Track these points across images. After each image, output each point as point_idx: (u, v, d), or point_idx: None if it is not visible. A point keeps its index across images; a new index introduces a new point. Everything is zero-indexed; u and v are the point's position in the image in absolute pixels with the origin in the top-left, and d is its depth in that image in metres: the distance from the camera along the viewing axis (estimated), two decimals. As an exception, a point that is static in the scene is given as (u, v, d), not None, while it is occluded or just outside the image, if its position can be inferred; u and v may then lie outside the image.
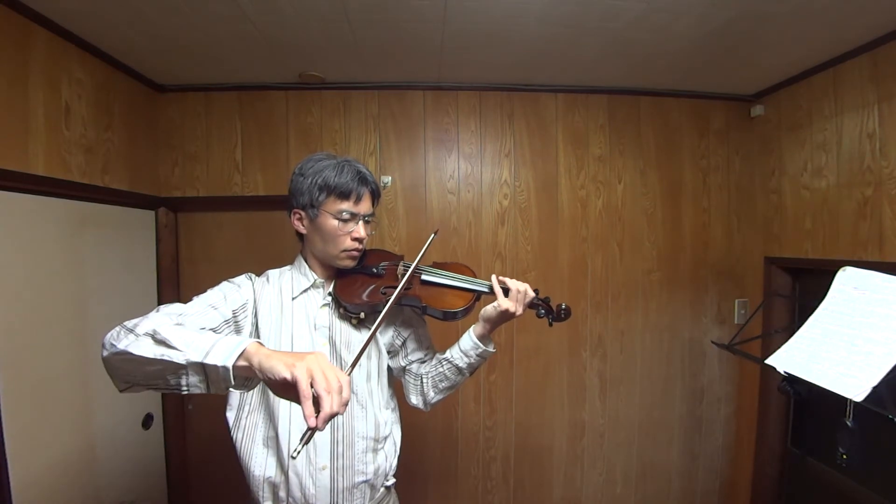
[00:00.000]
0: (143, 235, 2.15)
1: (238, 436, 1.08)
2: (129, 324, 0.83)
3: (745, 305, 2.44)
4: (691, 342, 2.44)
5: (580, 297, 2.37)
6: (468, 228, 2.33)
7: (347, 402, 0.71)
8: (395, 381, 1.28)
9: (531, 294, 1.15)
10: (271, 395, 1.06)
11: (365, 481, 1.11)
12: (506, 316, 1.13)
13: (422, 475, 2.32)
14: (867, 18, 1.59)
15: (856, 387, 1.05)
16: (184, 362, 0.75)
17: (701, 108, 2.41)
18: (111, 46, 1.79)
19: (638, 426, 2.43)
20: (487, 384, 2.35)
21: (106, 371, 0.84)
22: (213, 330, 0.97)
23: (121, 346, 0.78)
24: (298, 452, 0.67)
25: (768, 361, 1.29)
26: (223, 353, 0.74)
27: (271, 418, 1.06)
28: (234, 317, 1.04)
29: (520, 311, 1.13)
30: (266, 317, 1.10)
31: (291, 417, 1.06)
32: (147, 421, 2.09)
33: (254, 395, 1.09)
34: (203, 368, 0.75)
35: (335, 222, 1.09)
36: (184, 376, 0.76)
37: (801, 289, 2.28)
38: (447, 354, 1.20)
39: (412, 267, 1.15)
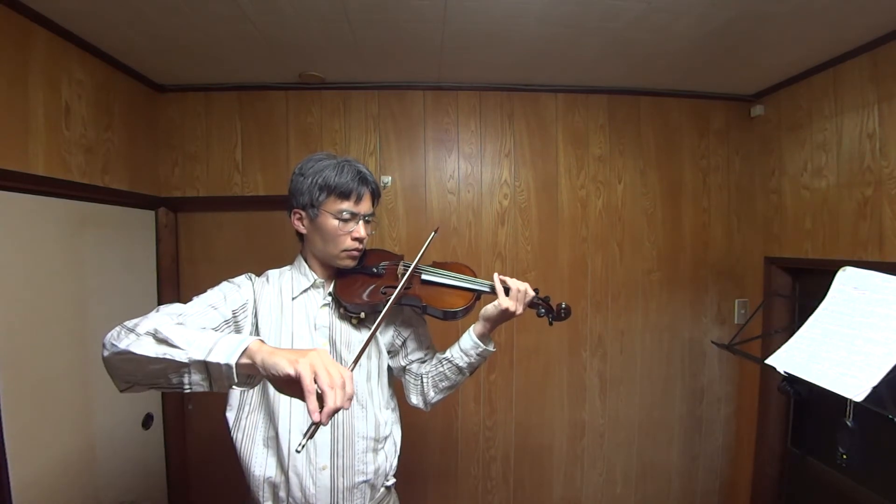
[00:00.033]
0: (143, 235, 2.15)
1: (238, 436, 1.08)
2: (129, 324, 0.83)
3: (745, 305, 2.44)
4: (691, 342, 2.44)
5: (580, 296, 2.37)
6: (468, 228, 2.33)
7: (352, 396, 0.72)
8: (396, 381, 1.28)
9: (531, 293, 1.16)
10: (271, 395, 1.06)
11: (365, 481, 1.11)
12: (506, 315, 1.13)
13: (422, 475, 2.32)
14: (867, 18, 1.59)
15: (856, 387, 1.05)
16: (186, 361, 0.75)
17: (701, 108, 2.41)
18: (111, 46, 1.79)
19: (638, 426, 2.43)
20: (487, 384, 2.35)
21: (106, 371, 0.84)
22: (214, 330, 0.97)
23: (122, 345, 0.78)
24: (303, 446, 0.69)
25: (768, 361, 1.29)
26: (226, 350, 0.74)
27: (271, 418, 1.06)
28: (234, 317, 1.04)
29: (520, 310, 1.13)
30: (266, 317, 1.10)
31: (291, 417, 1.06)
32: (147, 421, 2.09)
33: (254, 396, 1.09)
34: (206, 366, 0.75)
35: (335, 222, 1.09)
36: (186, 375, 0.76)
37: (801, 289, 2.28)
38: (447, 354, 1.20)
39: (412, 266, 1.15)
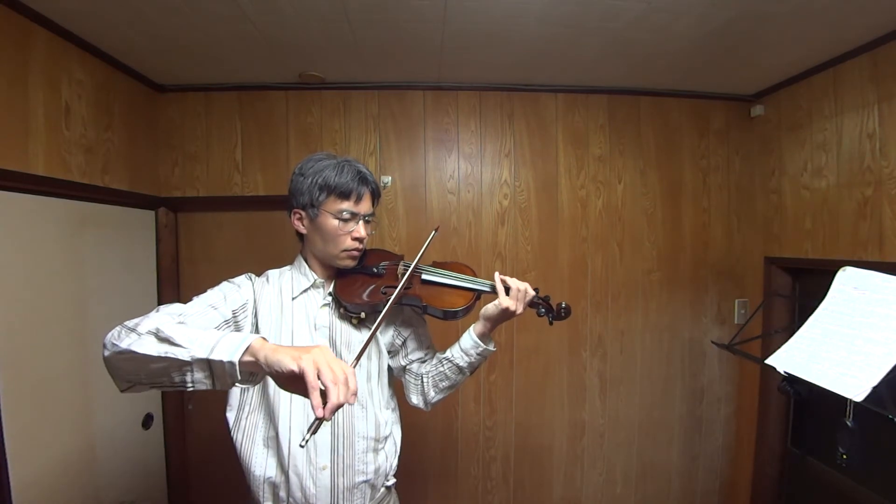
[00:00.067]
0: (143, 235, 2.15)
1: (238, 436, 1.08)
2: (129, 323, 0.83)
3: (745, 305, 2.44)
4: (691, 342, 2.44)
5: (580, 296, 2.37)
6: (468, 228, 2.33)
7: (356, 391, 0.73)
8: (396, 381, 1.28)
9: (531, 293, 1.16)
10: (271, 395, 1.06)
11: (365, 481, 1.11)
12: (506, 314, 1.13)
13: (422, 475, 2.32)
14: (867, 18, 1.59)
15: (856, 387, 1.05)
16: (188, 359, 0.75)
17: (701, 108, 2.41)
18: (111, 46, 1.79)
19: (638, 426, 2.43)
20: (487, 384, 2.35)
21: (107, 371, 0.84)
22: (214, 329, 0.97)
23: (123, 345, 0.78)
24: (307, 441, 0.70)
25: (768, 361, 1.29)
26: (228, 348, 0.74)
27: (271, 418, 1.06)
28: (234, 317, 1.04)
29: (520, 309, 1.13)
30: (266, 317, 1.10)
31: (291, 417, 1.06)
32: (147, 421, 2.09)
33: (253, 396, 1.09)
34: (208, 364, 0.75)
35: (335, 222, 1.09)
36: (188, 373, 0.76)
37: (801, 289, 2.28)
38: (448, 354, 1.20)
39: (412, 265, 1.15)
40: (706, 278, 2.44)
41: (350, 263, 1.15)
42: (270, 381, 1.06)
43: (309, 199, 1.09)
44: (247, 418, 1.08)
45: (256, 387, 1.09)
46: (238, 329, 1.05)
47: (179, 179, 2.25)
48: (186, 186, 2.25)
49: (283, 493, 1.06)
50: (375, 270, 1.19)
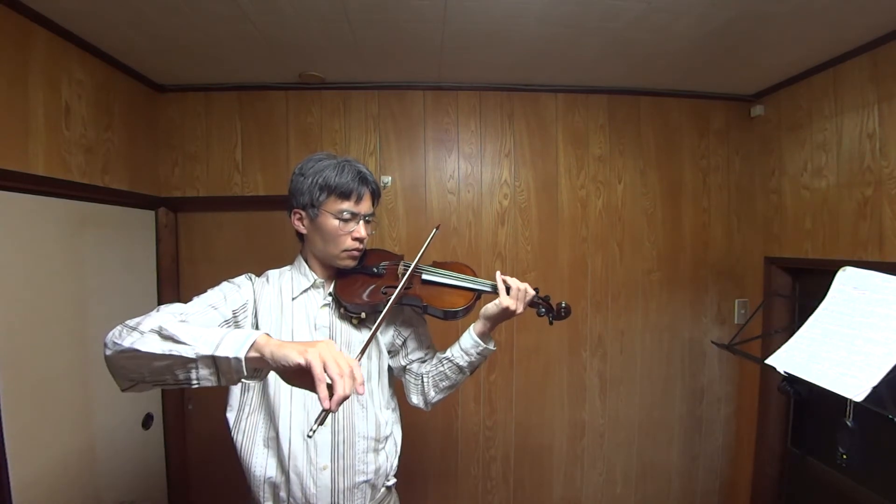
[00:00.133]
0: (143, 235, 2.15)
1: (238, 436, 1.08)
2: (131, 322, 0.83)
3: (745, 305, 2.44)
4: (691, 342, 2.44)
5: (580, 296, 2.37)
6: (468, 228, 2.33)
7: (363, 382, 0.74)
8: (396, 382, 1.28)
9: (531, 292, 1.16)
10: (271, 395, 1.06)
11: (366, 481, 1.11)
12: (507, 314, 1.13)
13: (422, 475, 2.32)
14: (867, 18, 1.59)
15: (856, 387, 1.05)
16: (193, 356, 0.75)
17: (701, 108, 2.41)
18: (111, 46, 1.79)
19: (638, 426, 2.43)
20: (487, 384, 2.35)
21: (109, 370, 0.84)
22: (215, 329, 0.98)
23: (126, 343, 0.79)
24: (314, 431, 0.71)
25: (768, 361, 1.29)
26: (234, 345, 0.75)
27: (272, 419, 1.06)
28: (234, 317, 1.05)
29: (520, 308, 1.14)
30: (266, 317, 1.10)
31: (292, 418, 1.06)
32: (147, 421, 2.09)
33: (254, 396, 1.09)
34: (213, 361, 0.75)
35: (336, 222, 1.09)
36: (193, 370, 0.76)
37: (801, 289, 2.28)
38: (448, 353, 1.20)
39: (413, 265, 1.16)
40: (706, 278, 2.44)
41: (350, 263, 1.15)
42: (270, 382, 1.06)
43: (309, 199, 1.09)
44: (247, 419, 1.08)
45: (256, 388, 1.09)
46: (238, 328, 1.05)
47: (179, 179, 2.24)
48: (186, 186, 2.25)
49: (283, 494, 1.06)
50: (376, 270, 1.19)
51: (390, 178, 2.29)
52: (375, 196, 1.17)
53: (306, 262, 1.18)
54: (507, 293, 1.13)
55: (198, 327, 0.81)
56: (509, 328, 2.32)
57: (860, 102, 1.80)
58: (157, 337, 0.78)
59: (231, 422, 1.10)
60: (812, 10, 1.54)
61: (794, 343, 1.29)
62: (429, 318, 1.23)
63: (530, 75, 2.21)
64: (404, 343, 1.25)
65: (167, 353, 0.76)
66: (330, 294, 1.16)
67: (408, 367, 1.25)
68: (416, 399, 1.25)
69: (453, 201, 2.33)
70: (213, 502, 2.30)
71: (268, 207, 2.29)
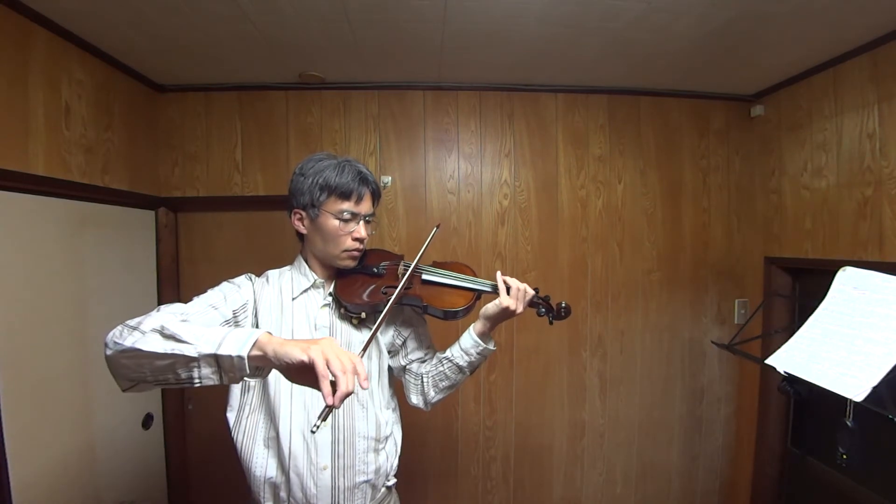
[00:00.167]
0: (143, 235, 2.15)
1: (239, 436, 1.08)
2: (131, 322, 0.83)
3: (745, 305, 2.45)
4: (691, 342, 2.44)
5: (580, 296, 2.37)
6: (468, 228, 2.33)
7: (367, 376, 0.75)
8: (396, 382, 1.28)
9: (531, 292, 1.16)
10: (272, 395, 1.06)
11: (366, 481, 1.11)
12: (507, 313, 1.13)
13: (422, 475, 2.32)
14: (867, 18, 1.59)
15: (856, 387, 1.05)
16: (196, 355, 0.75)
17: (701, 108, 2.41)
18: (111, 46, 1.79)
19: (638, 426, 2.43)
20: (487, 384, 2.35)
21: (109, 370, 0.84)
22: (215, 329, 0.98)
23: (127, 343, 0.79)
24: (318, 427, 0.72)
25: (768, 361, 1.29)
26: (236, 343, 0.75)
27: (272, 419, 1.06)
28: (235, 317, 1.05)
29: (520, 308, 1.14)
30: (266, 317, 1.10)
31: (292, 418, 1.06)
32: (147, 421, 2.09)
33: (254, 396, 1.09)
34: (216, 360, 0.76)
35: (336, 222, 1.09)
36: (195, 369, 0.77)
37: (801, 289, 2.28)
38: (448, 353, 1.20)
39: (413, 264, 1.16)
40: (706, 278, 2.44)
41: (350, 264, 1.15)
42: (271, 382, 1.06)
43: (309, 199, 1.09)
44: (247, 419, 1.08)
45: (257, 388, 1.09)
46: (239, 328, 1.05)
47: (179, 179, 2.24)
48: (186, 186, 2.25)
49: (283, 494, 1.06)
50: (376, 270, 1.19)
51: (390, 178, 2.29)
52: (376, 196, 1.17)
53: (306, 262, 1.18)
54: (508, 293, 1.13)
55: (199, 326, 0.82)
56: (509, 328, 2.32)
57: (860, 102, 1.80)
58: (158, 336, 0.78)
59: (231, 422, 1.10)
60: (812, 10, 1.54)
61: (794, 343, 1.29)
62: (429, 318, 1.23)
63: (530, 75, 2.21)
64: (404, 343, 1.25)
65: (169, 352, 0.76)
66: (330, 294, 1.16)
67: (407, 366, 1.25)
68: (415, 399, 1.25)
69: (453, 201, 2.33)
70: (213, 502, 2.30)
71: (268, 207, 2.29)
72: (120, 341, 0.80)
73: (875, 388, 1.03)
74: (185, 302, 0.99)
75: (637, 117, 2.39)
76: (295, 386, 1.07)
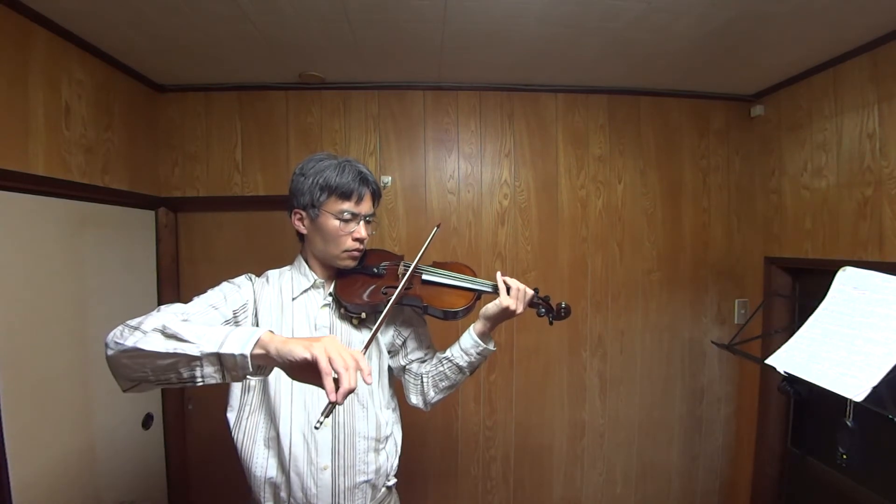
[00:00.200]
0: (143, 235, 2.15)
1: (239, 437, 1.08)
2: (132, 322, 0.83)
3: (745, 305, 2.45)
4: (691, 342, 2.44)
5: (580, 296, 2.37)
6: (468, 228, 2.33)
7: (370, 371, 0.76)
8: (396, 382, 1.28)
9: (530, 292, 1.16)
10: (272, 395, 1.06)
11: (366, 481, 1.11)
12: (507, 313, 1.13)
13: (422, 475, 2.32)
14: (867, 18, 1.59)
15: (856, 387, 1.05)
16: (198, 354, 0.76)
17: (701, 108, 2.41)
18: (111, 46, 1.79)
19: (638, 426, 2.43)
20: (487, 384, 2.35)
21: (110, 370, 0.84)
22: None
23: (128, 343, 0.79)
24: (321, 423, 0.73)
25: (768, 361, 1.29)
26: (239, 342, 0.76)
27: (272, 419, 1.06)
28: (235, 317, 1.05)
29: (520, 308, 1.14)
30: (266, 317, 1.10)
31: (292, 418, 1.06)
32: (147, 421, 2.09)
33: (254, 396, 1.09)
34: (219, 358, 0.76)
35: (336, 222, 1.09)
36: (198, 368, 0.77)
37: (801, 289, 2.28)
38: (447, 353, 1.20)
39: (414, 264, 1.16)
40: (706, 278, 2.44)
41: (350, 264, 1.15)
42: (271, 382, 1.06)
43: (310, 199, 1.10)
44: (248, 419, 1.08)
45: (257, 388, 1.09)
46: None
47: (179, 179, 2.24)
48: (186, 186, 2.25)
49: (283, 494, 1.06)
50: (376, 271, 1.19)
51: (390, 178, 2.29)
52: (376, 196, 1.17)
53: (306, 262, 1.18)
54: (508, 293, 1.13)
55: (201, 326, 0.82)
56: (509, 328, 2.32)
57: (860, 102, 1.80)
58: (160, 336, 0.79)
59: (231, 422, 1.10)
60: (812, 10, 1.54)
61: (794, 343, 1.29)
62: (429, 318, 1.23)
63: (530, 75, 2.21)
64: (404, 343, 1.25)
65: (171, 351, 0.76)
66: (330, 294, 1.16)
67: (407, 367, 1.25)
68: (415, 399, 1.25)
69: (453, 201, 2.33)
70: (213, 502, 2.30)
71: (268, 207, 2.29)
72: (121, 341, 0.80)
73: (875, 388, 1.03)
74: (185, 302, 0.99)
75: (637, 117, 2.39)
76: (295, 386, 1.07)
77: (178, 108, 2.23)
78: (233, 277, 1.14)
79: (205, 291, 1.06)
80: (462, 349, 1.17)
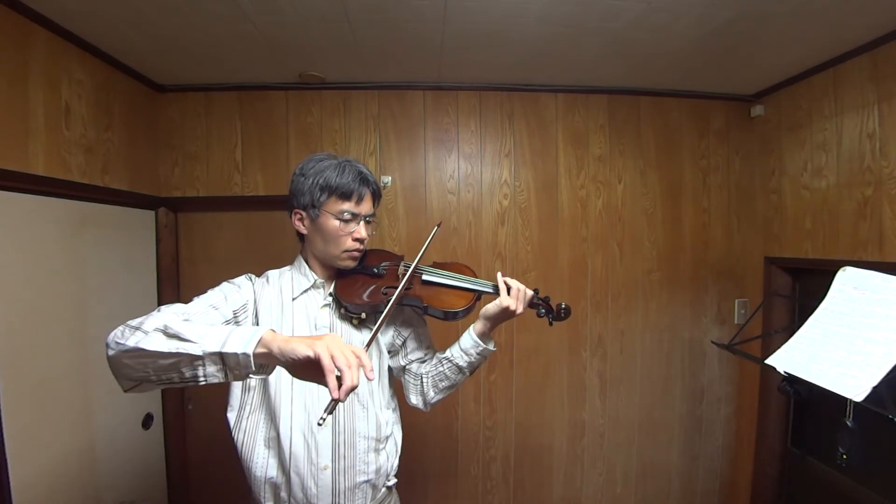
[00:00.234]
0: (143, 235, 2.15)
1: (239, 436, 1.08)
2: (133, 322, 0.83)
3: (745, 305, 2.45)
4: (691, 342, 2.44)
5: (580, 297, 2.37)
6: (468, 228, 2.33)
7: (372, 368, 0.77)
8: (395, 382, 1.28)
9: (530, 293, 1.16)
10: (272, 395, 1.06)
11: (367, 481, 1.11)
12: (507, 314, 1.13)
13: (422, 475, 2.32)
14: (867, 18, 1.59)
15: (856, 387, 1.05)
16: (200, 353, 0.76)
17: (701, 108, 2.41)
18: (111, 46, 1.79)
19: (638, 426, 2.43)
20: (487, 384, 2.35)
21: (111, 371, 0.84)
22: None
23: (130, 343, 0.79)
24: (324, 420, 0.73)
25: (768, 361, 1.29)
26: (241, 341, 0.76)
27: (272, 419, 1.07)
28: (235, 317, 1.05)
29: (520, 309, 1.14)
30: (266, 317, 1.10)
31: (293, 418, 1.06)
32: (147, 421, 2.09)
33: (254, 396, 1.09)
34: (221, 358, 0.76)
35: (336, 223, 1.09)
36: (200, 367, 0.77)
37: (801, 289, 2.28)
38: (447, 353, 1.20)
39: (414, 264, 1.16)
40: (706, 278, 2.44)
41: (351, 264, 1.15)
42: (271, 382, 1.06)
43: (310, 199, 1.10)
44: (248, 419, 1.08)
45: (257, 388, 1.09)
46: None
47: (179, 179, 2.24)
48: (186, 186, 2.25)
49: (284, 494, 1.06)
50: (376, 271, 1.19)
51: (390, 178, 2.29)
52: (376, 196, 1.17)
53: (306, 262, 1.18)
54: (508, 293, 1.14)
55: (202, 326, 0.82)
56: (509, 328, 2.32)
57: (860, 102, 1.80)
58: (162, 336, 0.79)
59: (232, 422, 1.10)
60: (812, 10, 1.54)
61: (794, 343, 1.29)
62: (429, 318, 1.23)
63: (530, 75, 2.21)
64: (404, 343, 1.25)
65: (174, 350, 0.76)
66: (330, 294, 1.16)
67: (407, 367, 1.25)
68: (414, 399, 1.25)
69: (453, 201, 2.33)
70: (213, 502, 2.30)
71: (268, 207, 2.29)
72: (122, 341, 0.80)
73: (875, 388, 1.03)
74: (185, 302, 0.99)
75: (637, 117, 2.39)
76: (295, 386, 1.07)
77: (178, 108, 2.23)
78: (233, 277, 1.14)
79: (205, 291, 1.06)
80: (462, 349, 1.17)
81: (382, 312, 0.99)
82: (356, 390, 1.11)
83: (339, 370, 0.72)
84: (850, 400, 1.05)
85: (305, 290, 1.15)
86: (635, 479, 2.44)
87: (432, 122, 2.32)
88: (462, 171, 2.34)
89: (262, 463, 1.07)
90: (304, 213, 1.12)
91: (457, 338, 1.20)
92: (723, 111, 2.42)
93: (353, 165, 1.12)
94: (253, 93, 2.25)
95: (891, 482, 1.71)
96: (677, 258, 2.42)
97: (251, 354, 0.75)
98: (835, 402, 1.09)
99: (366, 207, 1.13)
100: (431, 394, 1.22)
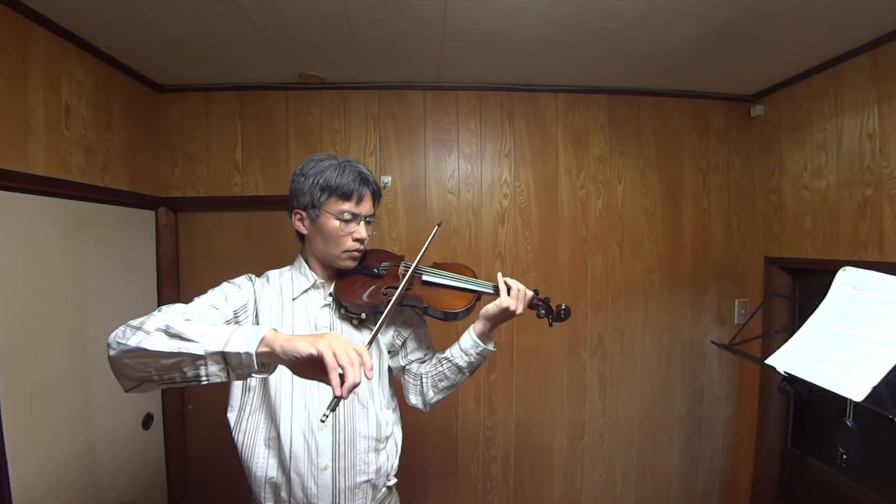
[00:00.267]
0: (143, 235, 2.15)
1: (239, 437, 1.08)
2: (134, 322, 0.83)
3: (745, 305, 2.45)
4: (691, 342, 2.44)
5: (580, 297, 2.37)
6: (468, 228, 2.33)
7: (372, 367, 0.78)
8: (395, 382, 1.28)
9: (530, 293, 1.16)
10: (272, 395, 1.06)
11: (367, 481, 1.11)
12: (507, 314, 1.13)
13: (422, 475, 2.32)
14: (867, 18, 1.59)
15: (856, 387, 1.05)
16: (202, 353, 0.76)
17: (701, 108, 2.41)
18: (111, 46, 1.79)
19: (638, 426, 2.43)
20: (487, 384, 2.35)
21: (112, 371, 0.84)
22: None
23: (132, 343, 0.79)
24: (327, 417, 0.74)
25: (768, 361, 1.29)
26: (244, 340, 0.77)
27: (272, 419, 1.07)
28: (235, 317, 1.05)
29: (520, 309, 1.14)
30: (266, 317, 1.10)
31: (293, 418, 1.06)
32: (147, 421, 2.09)
33: (254, 397, 1.09)
34: (224, 357, 0.77)
35: (336, 223, 1.09)
36: (202, 367, 0.77)
37: (801, 289, 2.28)
38: (447, 353, 1.20)
39: (414, 263, 1.16)
40: (706, 278, 2.44)
41: (351, 264, 1.15)
42: (271, 382, 1.06)
43: (310, 199, 1.10)
44: (248, 419, 1.08)
45: (257, 388, 1.09)
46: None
47: (179, 179, 2.24)
48: (186, 186, 2.25)
49: (284, 494, 1.07)
50: (376, 271, 1.19)
51: (390, 178, 2.29)
52: (376, 197, 1.17)
53: (306, 262, 1.18)
54: (508, 294, 1.14)
55: (204, 325, 0.82)
56: (509, 329, 2.32)
57: (860, 102, 1.80)
58: (163, 335, 0.79)
59: (232, 422, 1.10)
60: (812, 10, 1.54)
61: (794, 343, 1.29)
62: (429, 318, 1.23)
63: (530, 75, 2.21)
64: (404, 343, 1.25)
65: (175, 350, 0.77)
66: (330, 294, 1.16)
67: (407, 367, 1.25)
68: (414, 399, 1.25)
69: (453, 201, 2.33)
70: (213, 502, 2.30)
71: (268, 207, 2.29)
72: (123, 341, 0.80)
73: (875, 388, 1.03)
74: (186, 302, 0.99)
75: (637, 117, 2.39)
76: (295, 386, 1.07)
77: (178, 108, 2.23)
78: (233, 277, 1.14)
79: (205, 291, 1.06)
80: (462, 349, 1.17)
81: (382, 313, 0.99)
82: (357, 389, 1.11)
83: (341, 367, 0.73)
84: (850, 400, 1.05)
85: (305, 291, 1.15)
86: (635, 479, 2.44)
87: (432, 122, 2.32)
88: (462, 171, 2.34)
89: (262, 463, 1.07)
90: (304, 214, 1.13)
91: (457, 338, 1.20)
92: (723, 111, 2.42)
93: (353, 165, 1.12)
94: (253, 93, 2.25)
95: (891, 482, 1.71)
96: (677, 258, 2.42)
97: (254, 353, 0.75)
98: (835, 402, 1.09)
99: (366, 208, 1.13)
100: (431, 394, 1.22)
